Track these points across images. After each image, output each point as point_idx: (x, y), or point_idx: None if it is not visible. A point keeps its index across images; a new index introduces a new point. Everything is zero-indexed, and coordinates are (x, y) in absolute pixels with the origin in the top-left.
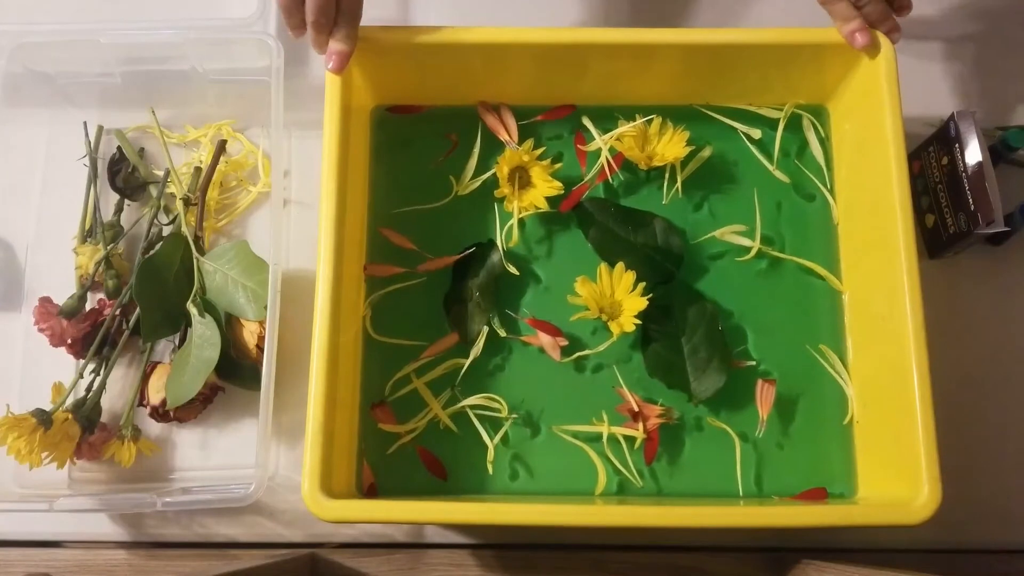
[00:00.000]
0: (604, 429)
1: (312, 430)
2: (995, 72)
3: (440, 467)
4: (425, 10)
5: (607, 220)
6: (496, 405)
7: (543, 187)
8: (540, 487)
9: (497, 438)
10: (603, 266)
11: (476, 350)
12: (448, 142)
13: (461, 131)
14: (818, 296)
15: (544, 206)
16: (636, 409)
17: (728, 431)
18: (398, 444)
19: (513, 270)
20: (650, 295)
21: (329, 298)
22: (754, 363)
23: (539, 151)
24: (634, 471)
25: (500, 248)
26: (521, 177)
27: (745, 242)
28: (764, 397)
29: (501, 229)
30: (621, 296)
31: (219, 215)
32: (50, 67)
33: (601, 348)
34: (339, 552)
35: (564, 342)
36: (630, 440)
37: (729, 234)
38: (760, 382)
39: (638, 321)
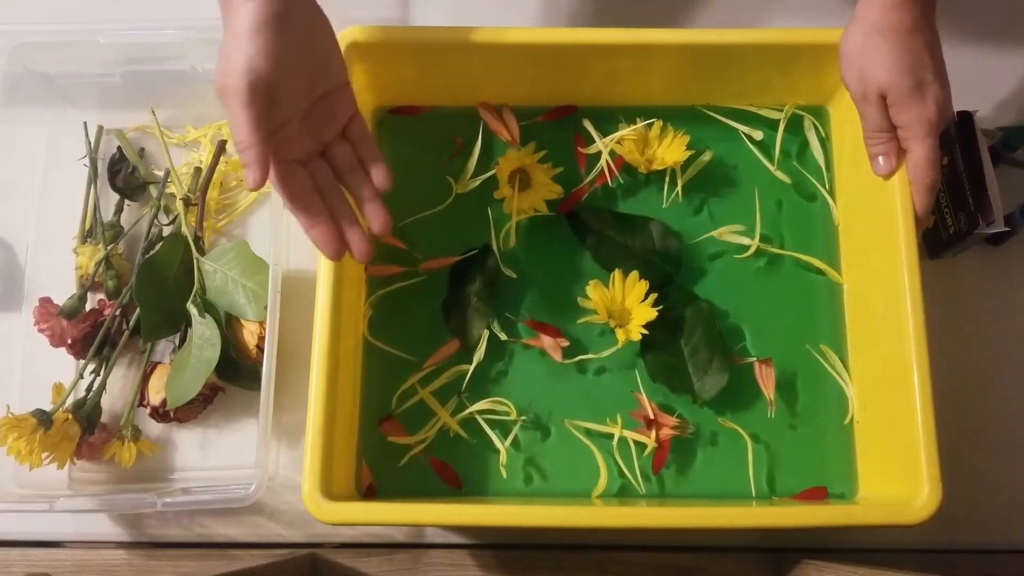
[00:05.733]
0: (616, 431)
1: (312, 433)
2: (995, 72)
3: (454, 476)
4: (425, 10)
5: (603, 227)
6: (504, 408)
7: (543, 190)
8: (553, 488)
9: (508, 441)
10: (617, 272)
11: (479, 355)
12: (451, 143)
13: (462, 132)
14: (818, 294)
15: (544, 209)
16: (652, 417)
17: (739, 431)
18: (409, 456)
19: (510, 273)
20: (660, 307)
21: (329, 300)
22: (755, 360)
23: (540, 154)
24: (639, 477)
25: (496, 251)
26: (521, 179)
27: (744, 241)
28: (765, 377)
29: (498, 232)
30: (631, 304)
31: (219, 215)
32: (50, 67)
33: (605, 354)
34: (339, 552)
35: (565, 342)
36: (640, 446)
37: (728, 233)
38: (757, 364)
39: (645, 331)
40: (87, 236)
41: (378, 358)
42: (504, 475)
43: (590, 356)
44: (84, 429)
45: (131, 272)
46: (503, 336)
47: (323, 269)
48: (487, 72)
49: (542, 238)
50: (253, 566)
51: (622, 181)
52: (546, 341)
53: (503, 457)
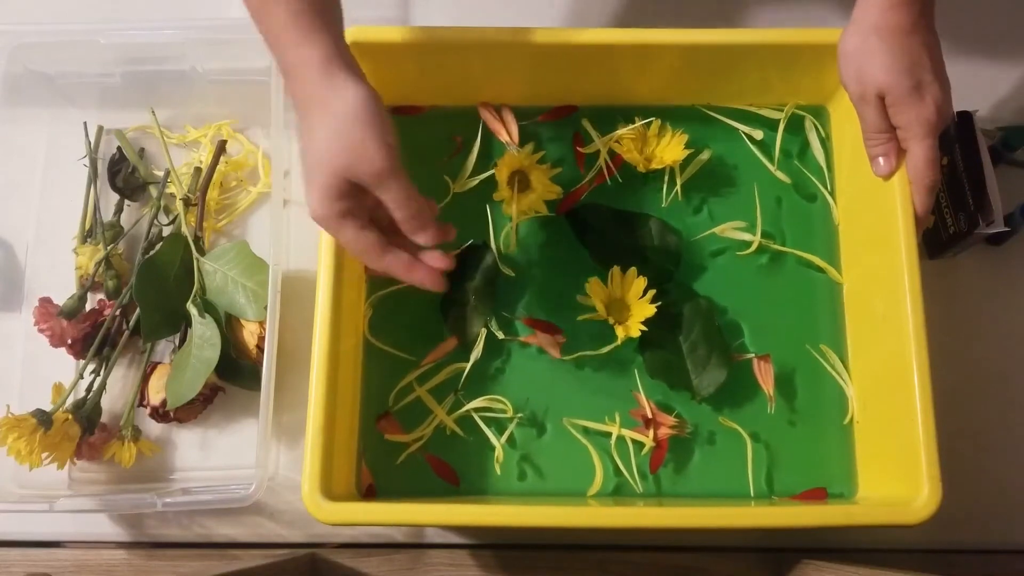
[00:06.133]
0: (614, 430)
1: (312, 433)
2: (994, 72)
3: (451, 473)
4: (425, 10)
5: (603, 225)
6: (501, 406)
7: (542, 191)
8: (549, 486)
9: (504, 438)
10: (616, 269)
11: (476, 353)
12: (451, 143)
13: (462, 132)
14: (818, 293)
15: (543, 210)
16: (650, 416)
17: (738, 430)
18: (406, 453)
19: (508, 271)
20: (659, 303)
21: (329, 300)
22: (753, 356)
23: (539, 155)
24: (636, 476)
25: (494, 250)
26: (520, 180)
27: (745, 237)
28: (764, 373)
29: (498, 232)
30: (630, 301)
31: (219, 215)
32: (50, 67)
33: (604, 351)
34: (339, 552)
35: (562, 339)
36: (638, 445)
37: (729, 230)
38: (756, 360)
39: (644, 328)
40: (87, 236)
41: (378, 358)
42: (499, 472)
43: (588, 353)
44: (84, 429)
45: (131, 272)
46: (500, 334)
47: (323, 269)
48: (487, 72)
49: (541, 237)
50: (253, 566)
51: (621, 180)
52: (543, 338)
53: (499, 455)
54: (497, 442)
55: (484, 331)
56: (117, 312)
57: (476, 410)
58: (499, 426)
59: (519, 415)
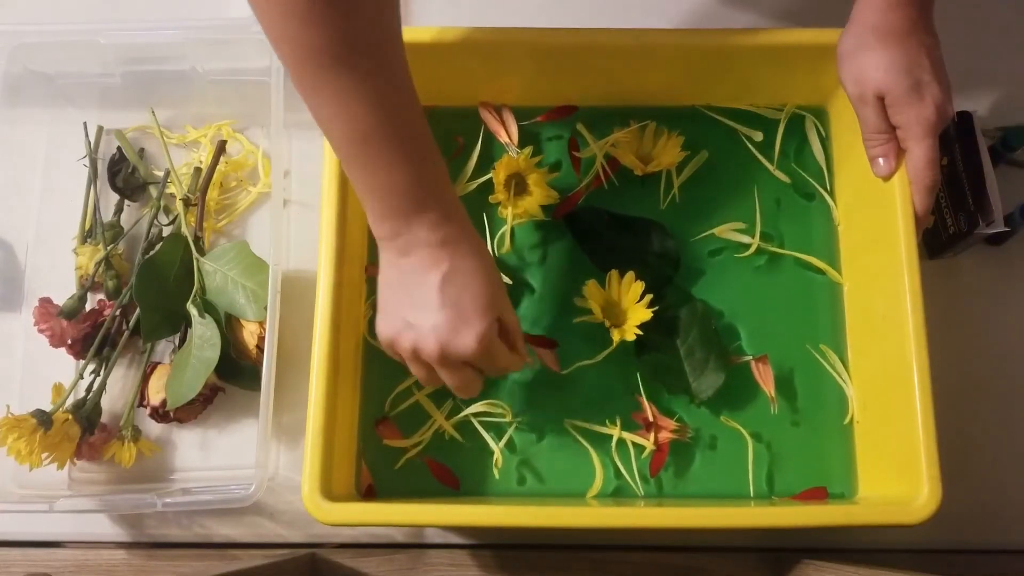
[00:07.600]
0: (615, 432)
1: (312, 434)
2: (994, 72)
3: (451, 476)
4: (425, 10)
5: (601, 228)
6: (499, 411)
7: (539, 195)
8: (549, 490)
9: (502, 443)
10: (614, 273)
11: None
12: (452, 143)
13: (463, 132)
14: (818, 294)
15: (540, 214)
16: (651, 419)
17: (739, 430)
18: (405, 458)
19: (505, 279)
20: (655, 307)
21: (329, 300)
22: (751, 359)
23: (537, 158)
24: (637, 478)
25: (493, 254)
26: (518, 183)
27: (744, 239)
28: (763, 375)
29: (493, 236)
30: (628, 305)
31: (219, 215)
32: (50, 67)
33: (600, 357)
34: (339, 552)
35: (556, 345)
36: (638, 448)
37: (728, 231)
38: (754, 363)
39: (640, 332)
40: (87, 236)
41: (378, 359)
42: (497, 476)
43: (586, 362)
44: (84, 429)
45: (131, 272)
46: None
47: (323, 269)
48: (487, 72)
49: (537, 243)
50: (253, 566)
51: (617, 184)
52: (543, 354)
53: (498, 459)
54: (496, 447)
55: None
56: (117, 312)
57: (475, 415)
58: (498, 430)
59: (517, 419)
